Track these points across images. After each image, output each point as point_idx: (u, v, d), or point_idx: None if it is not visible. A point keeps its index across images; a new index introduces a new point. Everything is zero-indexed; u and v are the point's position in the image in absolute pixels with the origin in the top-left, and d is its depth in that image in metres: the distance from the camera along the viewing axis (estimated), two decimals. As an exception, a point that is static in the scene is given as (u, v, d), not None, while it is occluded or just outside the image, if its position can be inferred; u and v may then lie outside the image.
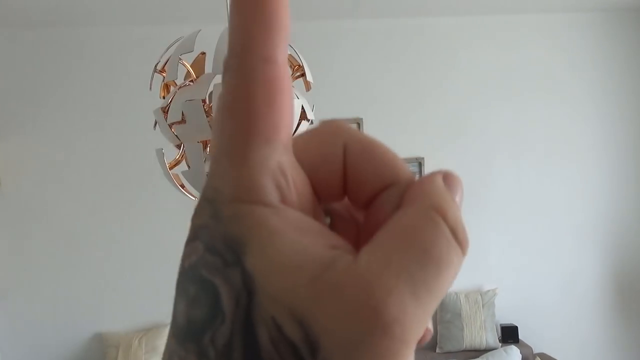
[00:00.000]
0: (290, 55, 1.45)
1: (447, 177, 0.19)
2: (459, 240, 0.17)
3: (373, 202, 0.19)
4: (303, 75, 1.42)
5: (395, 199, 0.18)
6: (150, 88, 1.36)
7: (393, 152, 0.19)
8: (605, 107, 3.16)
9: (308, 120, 1.35)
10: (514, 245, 3.09)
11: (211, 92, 1.28)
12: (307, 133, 0.19)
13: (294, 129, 1.34)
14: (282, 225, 0.16)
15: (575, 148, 3.14)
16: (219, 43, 1.26)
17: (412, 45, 3.03)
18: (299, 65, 1.44)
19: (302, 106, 1.33)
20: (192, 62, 1.48)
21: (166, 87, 1.39)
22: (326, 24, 2.93)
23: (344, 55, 2.97)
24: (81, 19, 2.68)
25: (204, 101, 1.25)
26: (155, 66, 1.35)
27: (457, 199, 0.18)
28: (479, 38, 3.07)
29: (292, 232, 0.16)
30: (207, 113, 1.28)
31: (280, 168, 0.16)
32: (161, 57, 1.35)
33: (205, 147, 1.31)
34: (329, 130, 0.19)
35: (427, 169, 3.02)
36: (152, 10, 2.63)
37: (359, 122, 2.96)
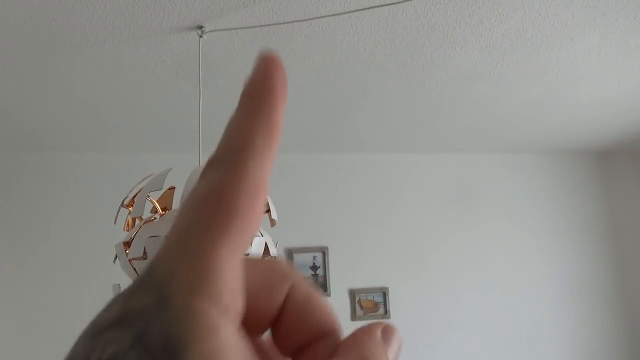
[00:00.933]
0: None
1: (386, 331, 0.18)
2: None
3: (304, 352, 0.19)
4: (268, 211, 1.47)
5: (328, 349, 0.18)
6: (115, 222, 1.38)
7: (330, 306, 0.19)
8: (563, 240, 3.31)
9: (271, 256, 1.37)
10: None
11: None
12: (261, 260, 0.19)
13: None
14: (228, 345, 0.14)
15: (535, 280, 3.21)
16: (189, 181, 1.31)
17: (377, 178, 3.19)
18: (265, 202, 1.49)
19: (265, 243, 1.35)
20: (160, 195, 1.53)
21: (131, 220, 1.41)
22: (293, 157, 3.09)
23: (310, 187, 3.09)
24: (42, 145, 2.75)
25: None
26: (123, 201, 1.38)
27: (393, 354, 0.18)
28: (438, 173, 3.28)
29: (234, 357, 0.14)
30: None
31: (238, 272, 0.16)
32: (130, 192, 1.38)
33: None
34: (281, 267, 0.19)
35: (392, 299, 3.00)
36: (120, 139, 2.73)
37: (324, 251, 2.99)
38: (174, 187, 1.55)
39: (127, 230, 1.41)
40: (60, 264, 2.72)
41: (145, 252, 1.23)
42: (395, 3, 1.50)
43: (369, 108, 2.51)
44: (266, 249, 1.36)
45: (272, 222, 1.49)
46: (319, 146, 3.04)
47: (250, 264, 0.18)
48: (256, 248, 1.30)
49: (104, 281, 2.60)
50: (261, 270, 0.19)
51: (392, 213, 3.15)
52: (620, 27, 1.90)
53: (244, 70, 2.03)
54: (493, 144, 3.20)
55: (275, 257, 1.41)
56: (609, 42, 2.01)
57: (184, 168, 1.55)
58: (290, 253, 2.94)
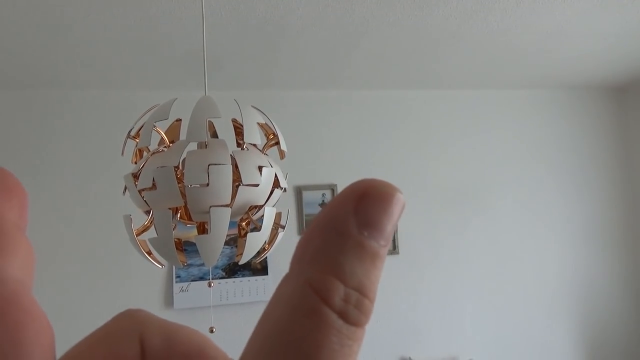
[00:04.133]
0: (265, 123, 1.47)
1: (365, 200, 0.14)
2: (355, 319, 0.14)
3: None
4: (277, 143, 1.44)
5: None
6: (123, 153, 1.36)
7: (200, 333, 0.17)
8: (578, 180, 3.28)
9: (281, 188, 1.35)
10: (489, 316, 3.06)
11: (184, 159, 1.28)
12: (94, 335, 0.16)
13: (267, 197, 1.33)
14: None
15: (548, 221, 3.21)
16: (195, 110, 1.28)
17: (387, 115, 3.13)
18: (274, 134, 1.46)
19: (275, 174, 1.33)
20: (167, 128, 1.50)
21: (139, 152, 1.39)
22: (301, 94, 3.03)
23: (320, 124, 3.05)
24: (52, 82, 2.70)
25: (176, 168, 1.24)
26: (129, 132, 1.35)
27: (381, 229, 0.14)
28: (450, 110, 3.21)
29: None
30: (179, 180, 1.27)
31: None
32: (135, 123, 1.35)
33: (174, 214, 1.29)
34: (120, 325, 0.17)
35: (401, 234, 3.02)
36: (127, 76, 2.67)
37: (333, 188, 2.98)
38: (181, 120, 1.52)
39: (135, 162, 1.39)
40: (70, 200, 2.74)
41: (154, 182, 1.22)
42: None
43: (378, 41, 2.41)
44: (276, 180, 1.35)
45: (282, 154, 1.47)
46: (328, 83, 2.96)
47: (87, 344, 0.16)
48: (266, 179, 1.29)
49: (114, 214, 2.63)
50: (102, 344, 0.16)
51: (401, 150, 3.11)
52: (652, -55, 1.77)
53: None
54: (506, 79, 3.10)
55: (285, 189, 1.40)
56: (638, -37, 1.88)
57: (191, 101, 1.50)
58: (299, 190, 2.95)
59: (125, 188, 1.34)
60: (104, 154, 2.74)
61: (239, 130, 1.48)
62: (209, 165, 1.20)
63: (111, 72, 2.60)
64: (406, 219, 3.04)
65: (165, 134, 1.51)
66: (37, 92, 2.78)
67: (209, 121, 1.53)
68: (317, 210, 2.96)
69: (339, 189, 2.99)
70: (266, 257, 2.83)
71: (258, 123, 1.42)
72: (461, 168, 3.16)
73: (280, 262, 2.84)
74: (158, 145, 1.47)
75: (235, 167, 1.27)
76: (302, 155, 2.96)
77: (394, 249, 3.00)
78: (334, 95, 3.08)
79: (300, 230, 2.93)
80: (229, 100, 2.90)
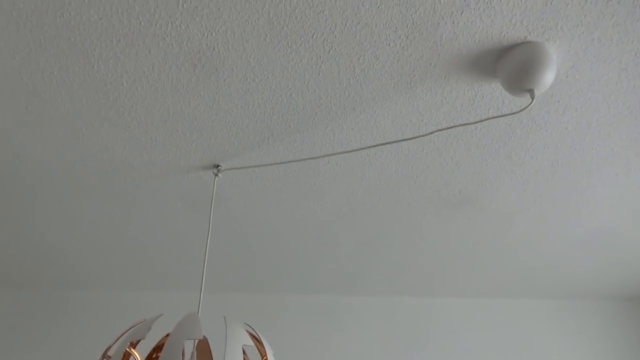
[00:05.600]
0: (259, 343, 1.33)
1: None
2: None
3: None
4: (268, 368, 1.27)
5: None
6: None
7: None
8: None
9: None
10: None
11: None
12: None
13: None
14: None
15: None
16: (174, 331, 1.17)
17: (410, 322, 2.89)
18: (266, 357, 1.30)
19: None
20: (157, 342, 1.39)
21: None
22: (313, 298, 2.89)
23: (330, 331, 2.83)
24: (46, 282, 2.72)
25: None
26: (106, 351, 1.24)
27: None
28: (480, 319, 2.94)
29: None
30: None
31: None
32: (114, 342, 1.25)
33: None
34: None
35: None
36: (127, 276, 2.67)
37: (356, 410, 2.61)
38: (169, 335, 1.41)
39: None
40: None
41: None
42: (410, 139, 1.44)
43: (397, 247, 2.35)
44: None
45: (273, 381, 1.29)
46: (340, 288, 2.83)
47: None
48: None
49: None
50: None
51: (434, 365, 2.78)
52: (670, 161, 1.74)
53: (259, 208, 1.98)
54: (535, 288, 2.87)
55: None
56: (660, 177, 1.83)
57: (186, 307, 1.42)
58: (316, 411, 2.59)
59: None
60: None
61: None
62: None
63: (115, 273, 2.61)
64: None
65: (155, 348, 1.40)
66: (38, 292, 2.79)
67: (203, 338, 1.41)
68: None
69: (364, 410, 2.61)
70: None
71: (252, 338, 1.28)
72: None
73: None
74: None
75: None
76: (322, 367, 2.68)
77: None
78: (347, 302, 2.92)
79: None
80: (231, 301, 2.79)
